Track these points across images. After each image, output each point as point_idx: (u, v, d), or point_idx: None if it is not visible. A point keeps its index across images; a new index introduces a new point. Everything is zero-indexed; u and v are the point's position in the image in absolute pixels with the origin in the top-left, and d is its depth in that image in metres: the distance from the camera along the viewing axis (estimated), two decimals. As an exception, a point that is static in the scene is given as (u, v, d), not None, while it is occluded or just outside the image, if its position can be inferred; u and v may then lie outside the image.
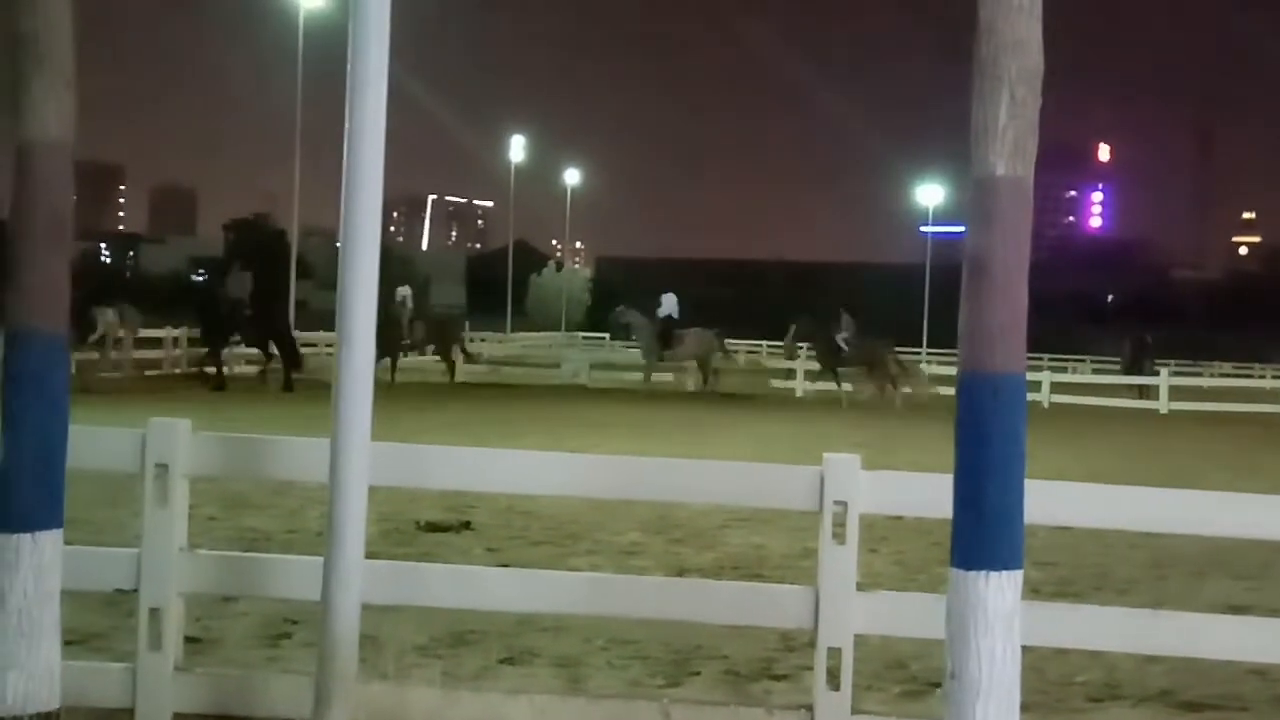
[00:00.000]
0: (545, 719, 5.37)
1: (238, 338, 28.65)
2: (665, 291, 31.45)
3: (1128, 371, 38.15)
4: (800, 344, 31.81)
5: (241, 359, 35.20)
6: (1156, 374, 35.31)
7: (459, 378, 31.72)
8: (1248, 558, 9.34)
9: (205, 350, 28.07)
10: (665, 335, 30.55)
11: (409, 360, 31.95)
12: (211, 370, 27.10)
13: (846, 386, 30.24)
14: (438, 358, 32.37)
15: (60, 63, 4.34)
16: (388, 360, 28.90)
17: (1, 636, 4.32)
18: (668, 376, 32.87)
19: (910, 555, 9.59)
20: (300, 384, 27.78)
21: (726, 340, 32.81)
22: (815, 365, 32.39)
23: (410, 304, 31.13)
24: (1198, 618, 5.78)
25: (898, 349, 31.72)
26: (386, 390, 27.61)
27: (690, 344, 30.48)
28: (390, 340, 28.89)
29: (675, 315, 30.94)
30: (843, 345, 30.39)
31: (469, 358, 34.08)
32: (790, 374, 34.67)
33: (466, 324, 36.60)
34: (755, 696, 6.14)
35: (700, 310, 36.97)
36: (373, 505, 4.95)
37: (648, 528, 10.53)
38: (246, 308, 27.80)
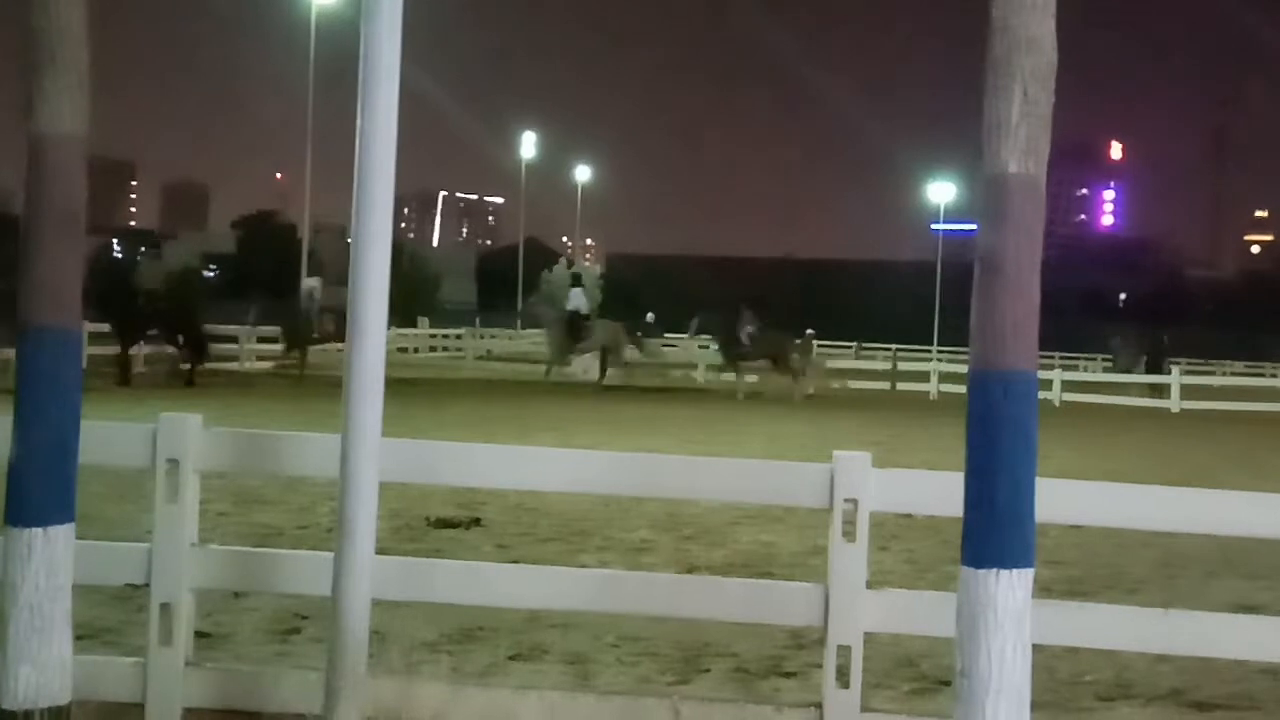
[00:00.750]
0: (554, 716, 5.37)
1: (154, 332, 27.55)
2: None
3: (1127, 370, 38.10)
4: (701, 336, 32.78)
5: (253, 354, 35.29)
6: (1168, 373, 35.30)
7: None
8: (1259, 557, 9.31)
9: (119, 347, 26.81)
10: (573, 328, 30.58)
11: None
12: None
13: (750, 378, 31.13)
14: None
15: (73, 57, 4.35)
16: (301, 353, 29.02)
17: (13, 630, 4.34)
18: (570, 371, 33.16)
19: (920, 553, 9.58)
20: (310, 380, 27.84)
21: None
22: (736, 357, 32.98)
23: (318, 296, 30.24)
24: (1209, 617, 5.77)
25: (800, 341, 32.76)
26: (297, 383, 27.49)
27: (598, 335, 30.54)
28: (298, 333, 28.68)
29: (583, 309, 30.90)
30: (744, 339, 31.18)
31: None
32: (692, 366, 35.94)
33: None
34: (764, 694, 6.15)
35: (710, 306, 36.95)
36: (383, 501, 4.96)
37: (658, 525, 10.53)
38: (161, 301, 26.76)
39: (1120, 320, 74.74)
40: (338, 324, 29.84)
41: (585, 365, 35.19)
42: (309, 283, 30.95)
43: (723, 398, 29.39)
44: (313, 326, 29.91)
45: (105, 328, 26.76)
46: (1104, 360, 45.18)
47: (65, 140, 4.34)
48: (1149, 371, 37.86)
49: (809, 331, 46.41)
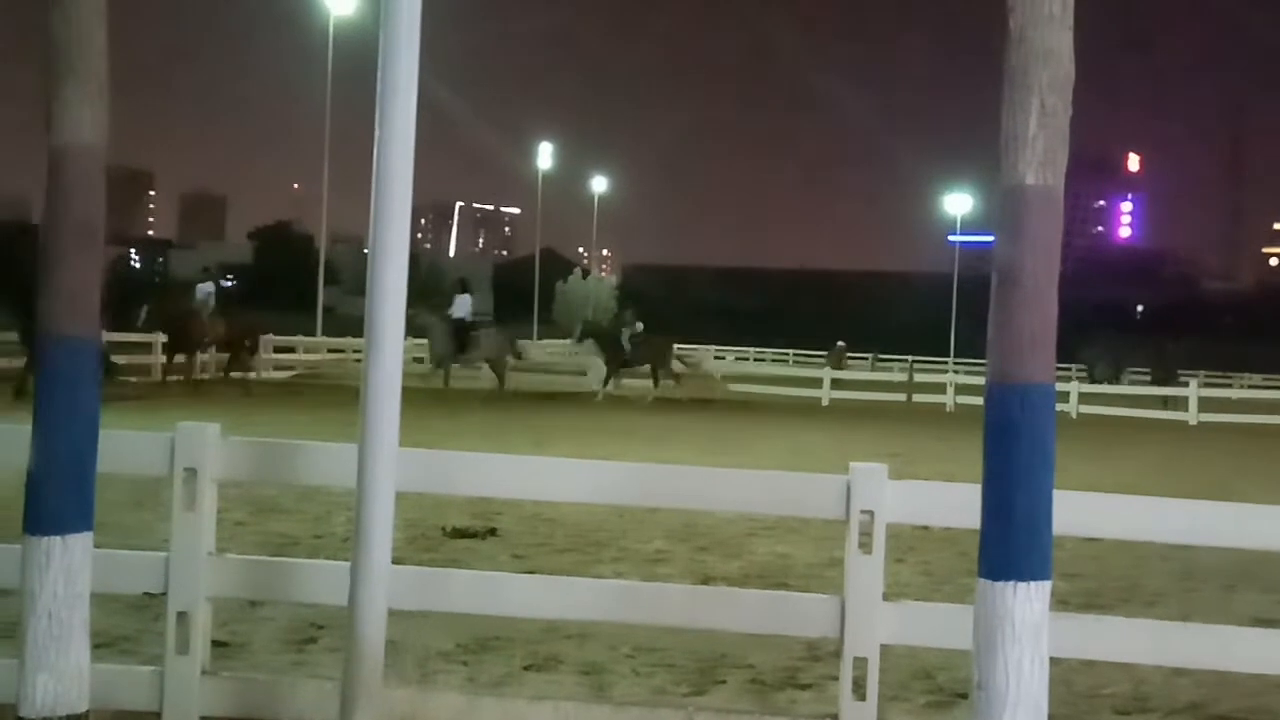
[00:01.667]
0: (570, 726, 5.37)
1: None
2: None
3: (1106, 380, 37.78)
4: (586, 341, 33.14)
5: (271, 364, 35.38)
6: (1185, 384, 35.18)
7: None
8: (1278, 571, 9.27)
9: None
10: (458, 337, 30.11)
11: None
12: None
13: (633, 382, 31.79)
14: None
15: (92, 68, 4.37)
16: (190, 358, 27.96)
17: (32, 638, 4.35)
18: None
19: (937, 565, 9.56)
20: (326, 389, 27.76)
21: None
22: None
23: (213, 302, 28.85)
24: (1227, 630, 5.74)
25: (682, 346, 34.19)
26: (195, 389, 26.76)
27: (484, 346, 30.32)
28: (189, 337, 27.83)
29: (468, 317, 30.51)
30: (626, 344, 31.68)
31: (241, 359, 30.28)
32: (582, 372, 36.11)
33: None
34: (780, 706, 6.13)
35: (726, 318, 37.14)
36: (400, 511, 4.97)
37: (673, 536, 10.52)
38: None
39: (1137, 332, 74.49)
40: (230, 328, 28.73)
41: (596, 374, 35.26)
42: (204, 288, 29.03)
43: (618, 403, 29.67)
44: (204, 329, 28.30)
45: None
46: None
47: (85, 150, 4.36)
48: (1154, 383, 37.74)
49: (839, 344, 46.66)
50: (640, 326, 32.11)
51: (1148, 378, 40.39)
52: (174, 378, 27.88)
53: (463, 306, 30.28)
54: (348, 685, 4.67)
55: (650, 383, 31.63)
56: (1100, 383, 38.04)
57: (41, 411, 4.36)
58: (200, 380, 28.25)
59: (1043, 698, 3.89)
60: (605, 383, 31.57)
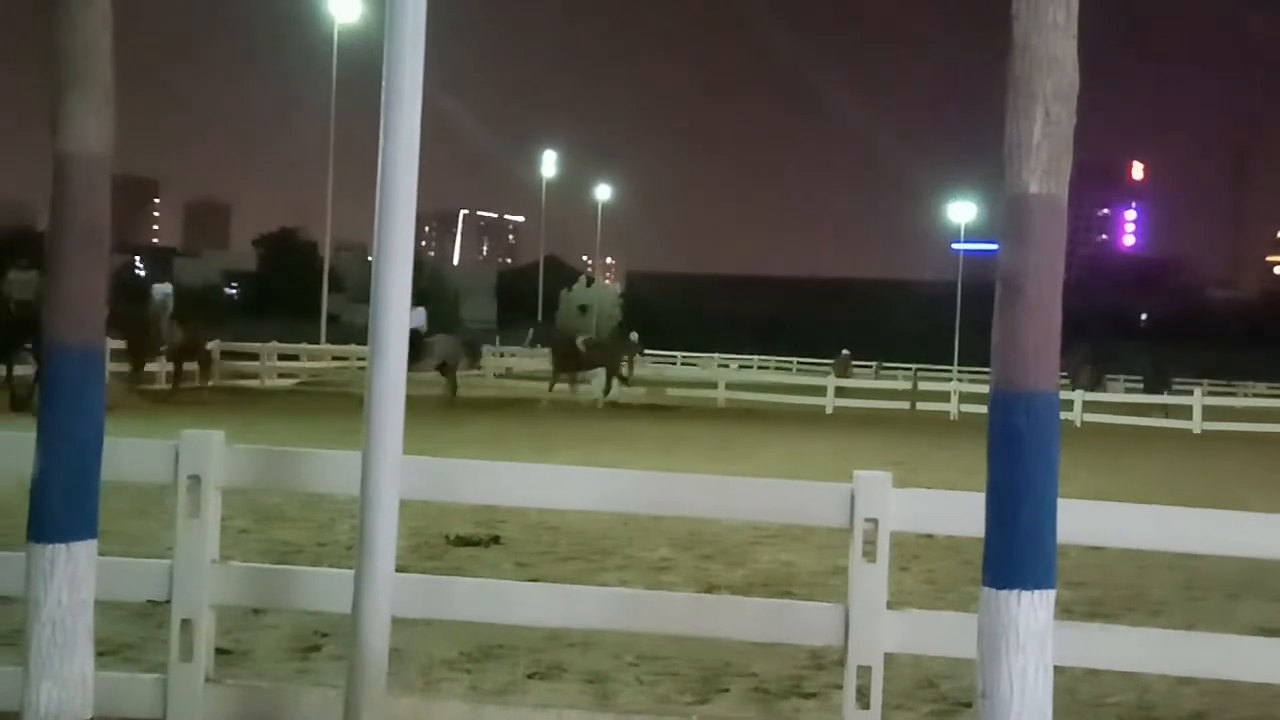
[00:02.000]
0: (574, 734, 5.37)
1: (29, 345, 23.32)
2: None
3: (1086, 388, 37.51)
4: (539, 346, 33.70)
5: (274, 371, 35.41)
6: (1180, 392, 35.11)
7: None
8: (1283, 580, 9.25)
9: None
10: (413, 346, 29.80)
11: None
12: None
13: (583, 387, 32.31)
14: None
15: (98, 76, 4.38)
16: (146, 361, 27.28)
17: (36, 646, 4.35)
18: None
19: (941, 574, 9.55)
20: (330, 396, 27.69)
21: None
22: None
23: (171, 304, 27.91)
24: (1232, 639, 5.74)
25: (644, 351, 34.67)
26: (145, 396, 25.60)
27: (437, 352, 30.30)
28: (145, 342, 26.79)
29: (423, 328, 30.42)
30: (581, 348, 32.04)
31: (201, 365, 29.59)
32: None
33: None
34: (784, 714, 6.13)
35: (731, 326, 37.22)
36: (403, 519, 4.96)
37: (677, 544, 10.52)
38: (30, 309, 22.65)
39: (1141, 340, 74.43)
40: (190, 334, 27.79)
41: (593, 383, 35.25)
42: (161, 289, 28.27)
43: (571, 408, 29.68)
44: (160, 335, 27.31)
45: None
46: (1127, 381, 44.79)
47: (90, 158, 4.37)
48: (1147, 391, 37.66)
49: (845, 352, 46.59)
50: (618, 329, 32.63)
51: (1141, 385, 40.29)
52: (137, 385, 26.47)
53: (417, 318, 30.09)
54: (351, 693, 4.67)
55: (606, 385, 31.73)
56: (1083, 389, 37.89)
57: (46, 418, 4.36)
58: (149, 389, 26.79)
59: (1047, 707, 3.88)
60: (552, 386, 31.54)
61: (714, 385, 38.30)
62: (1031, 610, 3.84)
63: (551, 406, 29.85)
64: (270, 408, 25.27)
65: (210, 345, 29.80)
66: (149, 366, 27.94)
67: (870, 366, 58.65)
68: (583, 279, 44.92)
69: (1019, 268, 3.86)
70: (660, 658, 6.87)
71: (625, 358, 33.26)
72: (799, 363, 66.47)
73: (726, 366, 60.62)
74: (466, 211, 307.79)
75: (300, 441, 11.90)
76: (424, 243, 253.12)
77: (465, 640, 6.95)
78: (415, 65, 4.64)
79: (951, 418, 34.17)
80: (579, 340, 31.86)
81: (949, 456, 19.67)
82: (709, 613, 5.83)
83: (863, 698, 5.24)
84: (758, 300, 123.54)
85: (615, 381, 32.40)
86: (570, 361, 31.97)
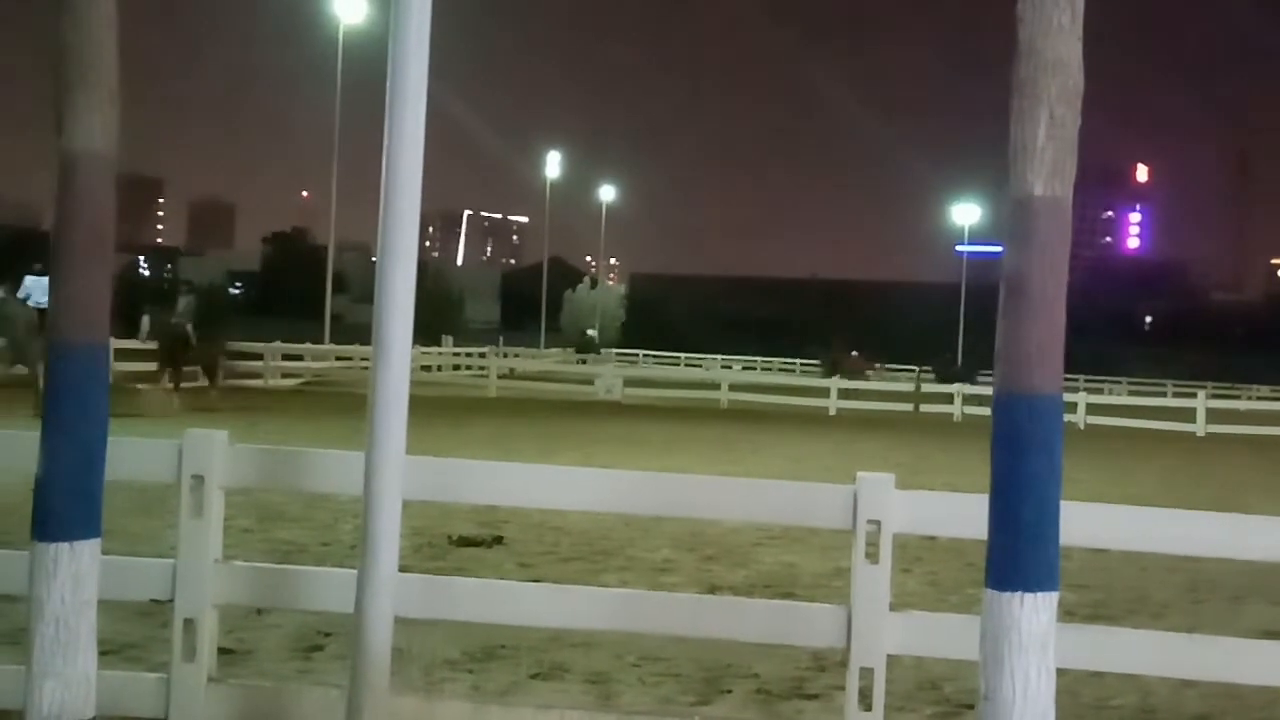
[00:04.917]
0: (576, 735, 5.37)
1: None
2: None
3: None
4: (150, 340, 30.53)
5: (278, 371, 35.46)
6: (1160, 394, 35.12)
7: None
8: (1286, 583, 9.25)
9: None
10: (177, 344, 28.26)
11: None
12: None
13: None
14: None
15: (103, 76, 4.37)
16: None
17: (39, 645, 4.35)
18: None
19: (944, 575, 9.55)
20: (333, 396, 27.69)
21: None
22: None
23: (192, 315, 27.50)
24: (1235, 642, 5.73)
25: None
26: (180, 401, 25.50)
27: (196, 354, 28.85)
28: (178, 353, 26.31)
29: (186, 322, 28.32)
30: (194, 341, 28.57)
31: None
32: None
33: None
34: (787, 716, 6.13)
35: (734, 326, 37.12)
36: (406, 519, 4.96)
37: (680, 545, 10.52)
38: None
39: (1145, 343, 74.28)
40: (206, 344, 27.22)
41: (608, 385, 35.13)
42: (185, 300, 27.71)
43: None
44: (190, 345, 26.83)
45: None
46: (1131, 383, 44.81)
47: (95, 158, 4.36)
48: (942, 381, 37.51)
49: (854, 353, 46.54)
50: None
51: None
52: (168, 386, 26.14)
53: (186, 310, 28.64)
54: (354, 693, 4.67)
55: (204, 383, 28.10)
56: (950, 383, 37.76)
57: (50, 417, 4.36)
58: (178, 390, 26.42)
59: (1049, 709, 3.88)
60: (159, 380, 27.22)
61: (717, 386, 38.33)
62: (1034, 612, 3.84)
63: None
64: (274, 408, 25.28)
65: (220, 355, 29.58)
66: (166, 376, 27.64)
67: (875, 368, 58.46)
68: (586, 280, 44.88)
69: (1023, 270, 3.86)
70: (662, 659, 6.88)
71: (218, 359, 29.09)
72: (802, 364, 66.47)
73: (730, 368, 60.64)
74: (471, 212, 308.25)
75: (303, 441, 11.92)
76: (428, 243, 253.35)
77: (468, 640, 6.95)
78: (420, 66, 4.64)
79: (955, 419, 34.20)
80: (189, 331, 27.47)
81: (952, 458, 19.66)
82: (711, 614, 5.82)
83: (865, 699, 5.23)
84: (761, 302, 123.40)
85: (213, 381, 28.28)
86: (177, 356, 27.57)
